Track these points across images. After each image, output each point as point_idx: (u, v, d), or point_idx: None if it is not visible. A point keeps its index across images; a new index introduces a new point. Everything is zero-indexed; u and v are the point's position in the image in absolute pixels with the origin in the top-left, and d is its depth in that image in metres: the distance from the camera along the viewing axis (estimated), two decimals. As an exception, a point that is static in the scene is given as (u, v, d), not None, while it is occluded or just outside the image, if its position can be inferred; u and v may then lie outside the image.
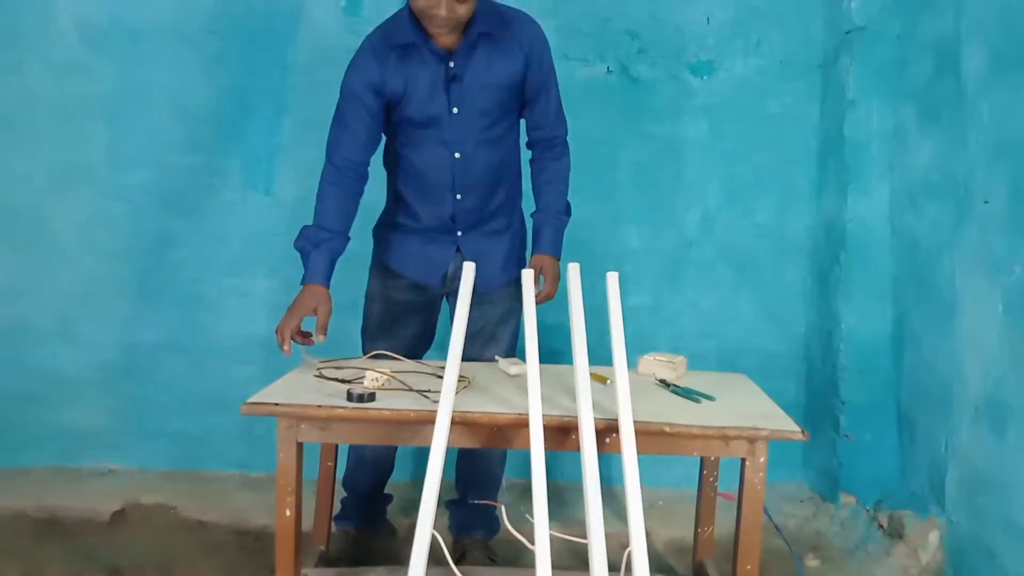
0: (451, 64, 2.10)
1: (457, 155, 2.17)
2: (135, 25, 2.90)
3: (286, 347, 2.05)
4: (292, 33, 2.92)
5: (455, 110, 2.14)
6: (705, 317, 2.99)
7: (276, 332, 2.06)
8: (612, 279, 1.87)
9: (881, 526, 2.57)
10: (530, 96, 2.22)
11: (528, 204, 2.35)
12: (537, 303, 2.04)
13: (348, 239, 2.18)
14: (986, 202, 2.18)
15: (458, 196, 2.21)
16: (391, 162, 2.28)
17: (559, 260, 2.24)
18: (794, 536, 2.63)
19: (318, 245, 2.13)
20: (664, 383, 2.06)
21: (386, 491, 2.52)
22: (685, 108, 2.95)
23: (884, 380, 2.70)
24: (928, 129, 2.52)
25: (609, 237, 2.96)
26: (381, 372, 1.90)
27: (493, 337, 2.30)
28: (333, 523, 2.37)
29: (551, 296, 2.24)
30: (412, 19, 2.06)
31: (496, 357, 2.18)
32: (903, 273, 2.65)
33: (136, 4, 2.90)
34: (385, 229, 2.34)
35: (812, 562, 2.51)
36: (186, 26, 2.90)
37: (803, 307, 3.00)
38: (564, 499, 2.76)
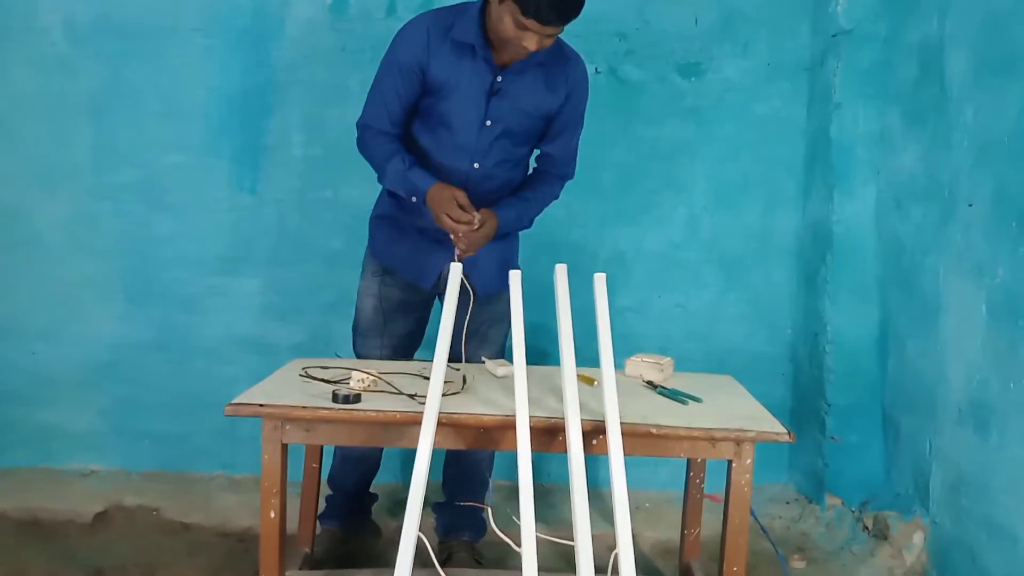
0: (499, 79, 2.09)
1: (476, 166, 2.16)
2: (121, 23, 2.88)
3: (474, 213, 2.03)
4: (278, 32, 2.91)
5: (488, 123, 2.13)
6: (692, 319, 3.00)
7: (453, 224, 2.03)
8: (599, 280, 1.87)
9: (866, 527, 2.58)
10: (555, 132, 2.24)
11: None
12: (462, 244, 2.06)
13: None
14: (970, 205, 2.19)
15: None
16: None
17: (496, 231, 2.14)
18: (780, 537, 2.64)
19: (410, 165, 2.12)
20: (651, 385, 2.06)
21: (371, 490, 2.51)
22: (673, 110, 2.95)
23: (869, 382, 2.72)
24: (913, 132, 2.53)
25: (596, 238, 2.96)
26: (367, 373, 1.89)
27: (485, 338, 2.31)
28: (318, 522, 2.36)
29: (472, 243, 2.09)
30: (480, 23, 2.04)
31: (483, 358, 2.17)
32: (888, 275, 2.67)
33: (121, 2, 2.87)
34: (382, 222, 2.32)
35: (798, 563, 2.52)
36: (172, 25, 2.88)
37: (789, 309, 3.01)
38: (551, 501, 2.75)
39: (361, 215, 2.39)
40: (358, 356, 2.33)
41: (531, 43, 1.95)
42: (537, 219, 2.34)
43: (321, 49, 2.91)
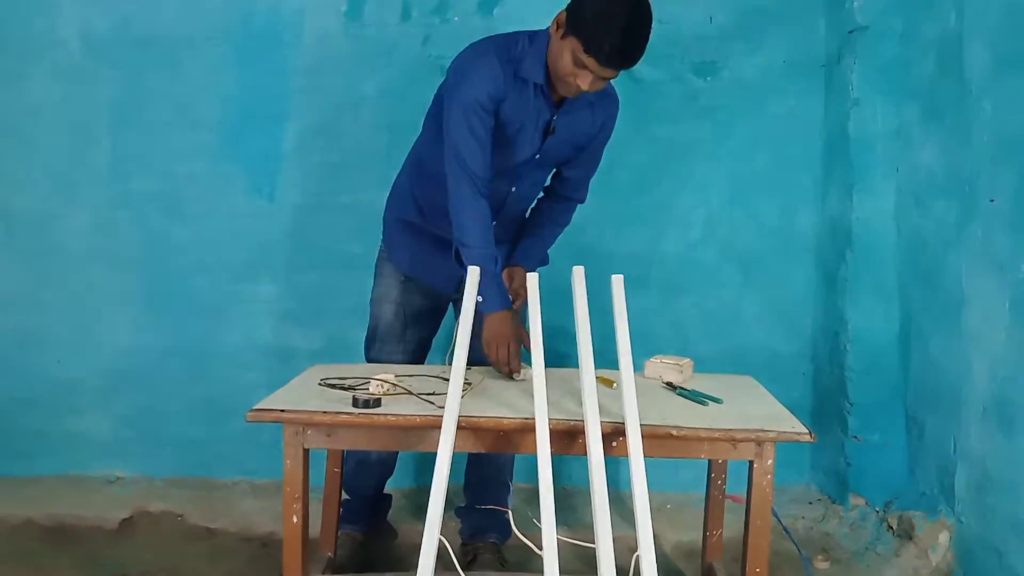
0: (554, 117, 2.09)
1: (514, 189, 2.18)
2: (138, 32, 2.91)
3: (519, 370, 2.02)
4: (295, 39, 2.92)
5: (537, 156, 2.15)
6: (711, 319, 2.98)
7: (500, 362, 2.02)
8: (617, 281, 1.87)
9: (890, 527, 2.56)
10: (581, 159, 2.24)
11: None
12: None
13: None
14: (991, 200, 2.17)
15: (493, 222, 2.20)
16: (440, 164, 2.14)
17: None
18: (803, 538, 2.62)
19: (500, 270, 2.10)
20: (671, 386, 2.05)
21: (386, 491, 2.51)
22: (689, 109, 2.94)
23: (892, 380, 2.69)
24: (932, 128, 2.51)
25: (614, 239, 2.95)
26: (385, 379, 1.90)
27: None
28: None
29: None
30: (545, 62, 2.02)
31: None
32: (909, 272, 2.64)
33: (139, 12, 2.91)
34: (399, 227, 2.31)
35: (821, 564, 2.50)
36: (188, 34, 2.91)
37: (809, 308, 2.99)
38: (572, 504, 2.75)
39: (379, 220, 2.40)
40: (372, 362, 2.33)
41: (584, 82, 1.93)
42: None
43: (337, 56, 2.92)
